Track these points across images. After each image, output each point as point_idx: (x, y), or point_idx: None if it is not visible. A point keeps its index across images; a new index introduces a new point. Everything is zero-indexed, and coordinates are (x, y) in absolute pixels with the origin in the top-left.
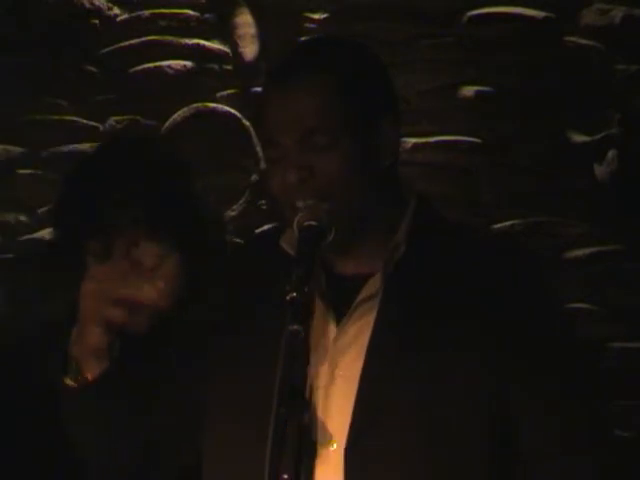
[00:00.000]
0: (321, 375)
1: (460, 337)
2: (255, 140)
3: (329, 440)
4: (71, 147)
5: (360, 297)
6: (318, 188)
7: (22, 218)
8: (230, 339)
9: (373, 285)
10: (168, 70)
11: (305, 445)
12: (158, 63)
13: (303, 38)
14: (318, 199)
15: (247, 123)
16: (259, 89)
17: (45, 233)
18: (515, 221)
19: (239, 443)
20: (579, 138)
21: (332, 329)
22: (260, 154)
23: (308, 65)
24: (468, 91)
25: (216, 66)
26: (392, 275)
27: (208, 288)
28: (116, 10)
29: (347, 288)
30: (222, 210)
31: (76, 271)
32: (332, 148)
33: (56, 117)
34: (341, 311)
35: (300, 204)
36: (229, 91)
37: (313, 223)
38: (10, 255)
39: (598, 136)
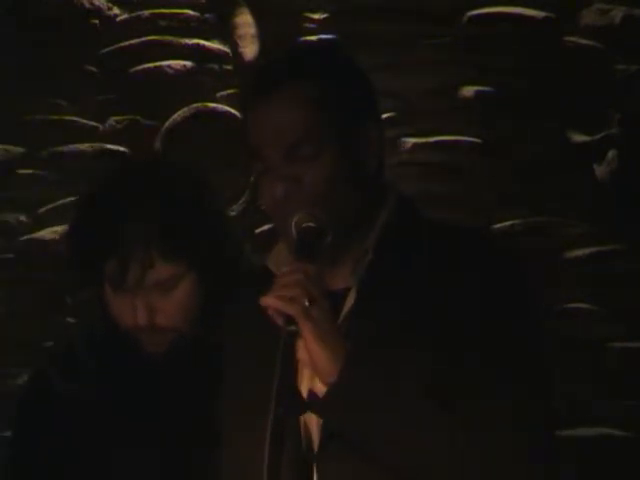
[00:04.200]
0: (319, 388)
1: (424, 342)
2: None
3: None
4: (71, 147)
5: (343, 314)
6: (307, 198)
7: (22, 218)
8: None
9: (351, 299)
10: (168, 70)
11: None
12: (158, 63)
13: (303, 38)
14: (309, 209)
15: None
16: None
17: (45, 233)
18: (515, 221)
19: (245, 449)
20: (579, 138)
21: None
22: None
23: (288, 75)
24: (468, 91)
25: (216, 66)
26: (363, 287)
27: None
28: (116, 10)
29: (336, 303)
30: (238, 226)
31: (94, 294)
32: (318, 157)
33: (56, 117)
34: None
35: (290, 218)
36: (229, 91)
37: (311, 224)
38: (10, 255)
39: (598, 136)
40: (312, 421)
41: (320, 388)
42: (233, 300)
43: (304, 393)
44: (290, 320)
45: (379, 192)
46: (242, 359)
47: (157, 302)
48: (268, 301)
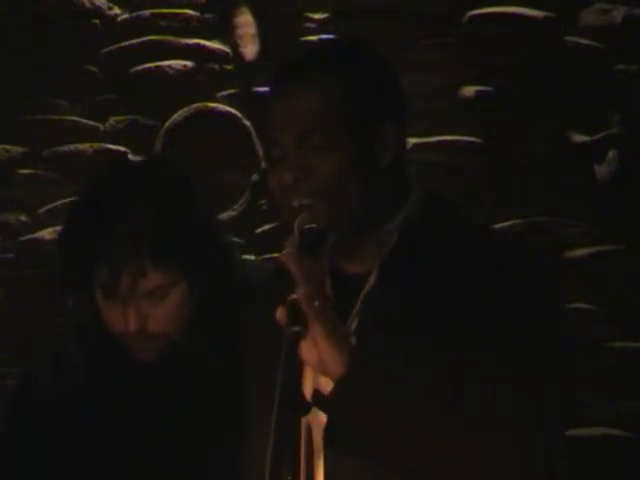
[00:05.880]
0: (324, 386)
1: (435, 332)
2: (255, 140)
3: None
4: (71, 147)
5: (361, 296)
6: (315, 188)
7: (22, 218)
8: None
9: (370, 282)
10: (168, 70)
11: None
12: (158, 63)
13: (303, 38)
14: (314, 199)
15: (247, 123)
16: (259, 89)
17: (45, 233)
18: (515, 221)
19: (257, 449)
20: (579, 138)
21: None
22: (260, 154)
23: (310, 66)
24: (468, 91)
25: (216, 66)
26: (383, 274)
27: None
28: (116, 10)
29: (352, 287)
30: (228, 229)
31: (86, 303)
32: (330, 149)
33: (56, 117)
34: (348, 311)
35: (295, 203)
36: (229, 91)
37: (314, 225)
38: (10, 255)
39: (598, 136)
40: (315, 421)
41: (325, 386)
42: (250, 301)
43: (307, 393)
44: (294, 320)
45: (399, 189)
46: (257, 360)
47: (148, 309)
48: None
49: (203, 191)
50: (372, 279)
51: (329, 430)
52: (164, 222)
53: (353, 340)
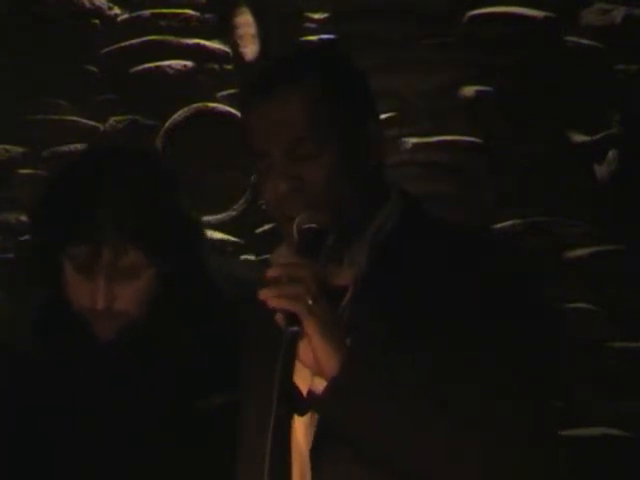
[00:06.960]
0: (318, 387)
1: (420, 340)
2: None
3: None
4: (71, 147)
5: (340, 309)
6: (310, 196)
7: (22, 218)
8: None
9: (349, 295)
10: (168, 70)
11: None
12: (158, 63)
13: (303, 38)
14: (312, 209)
15: None
16: None
17: None
18: (515, 221)
19: (253, 448)
20: (579, 138)
21: None
22: None
23: (288, 75)
24: (468, 91)
25: (216, 66)
26: (361, 284)
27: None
28: (116, 10)
29: (336, 299)
30: (201, 218)
31: (52, 274)
32: (319, 156)
33: (56, 117)
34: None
35: (295, 215)
36: (229, 91)
37: (313, 225)
38: (10, 255)
39: (598, 136)
40: (307, 422)
41: (319, 386)
42: (250, 300)
43: (304, 393)
44: (292, 321)
45: (381, 192)
46: (255, 360)
47: (118, 288)
48: (272, 302)
49: (184, 188)
50: (350, 291)
51: (319, 431)
52: (146, 203)
53: (348, 342)
